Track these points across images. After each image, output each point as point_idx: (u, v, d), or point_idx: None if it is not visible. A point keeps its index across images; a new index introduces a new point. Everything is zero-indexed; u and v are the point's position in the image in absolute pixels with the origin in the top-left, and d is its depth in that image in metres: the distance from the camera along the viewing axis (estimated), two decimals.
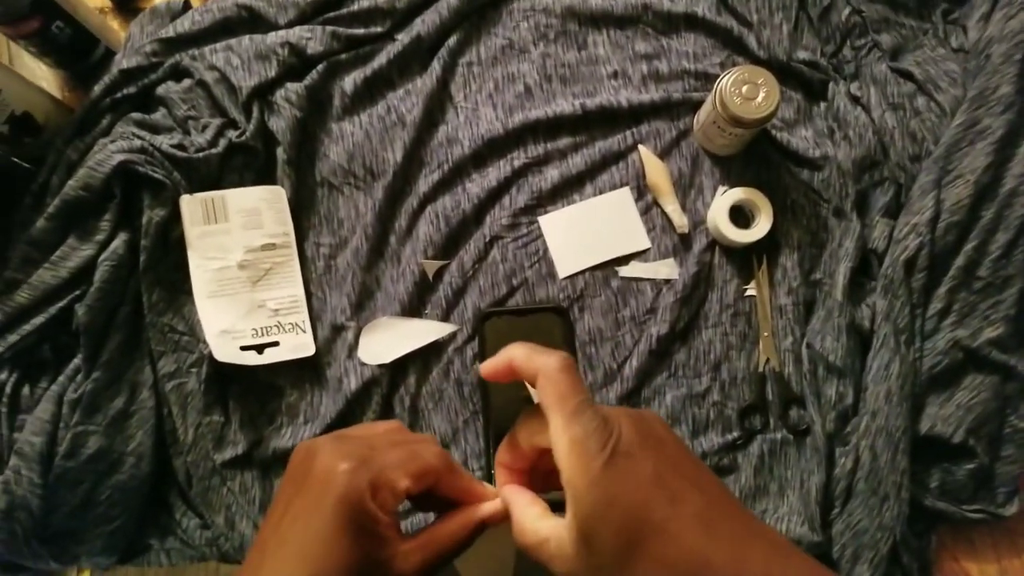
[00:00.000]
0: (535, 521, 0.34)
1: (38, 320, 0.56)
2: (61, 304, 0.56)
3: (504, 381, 0.37)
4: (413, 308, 0.61)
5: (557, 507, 0.34)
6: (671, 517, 0.31)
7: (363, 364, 0.60)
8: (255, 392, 0.60)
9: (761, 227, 0.60)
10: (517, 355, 0.36)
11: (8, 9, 0.54)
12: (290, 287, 0.61)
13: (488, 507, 0.38)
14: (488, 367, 0.37)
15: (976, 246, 0.57)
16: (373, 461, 0.34)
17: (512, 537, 0.35)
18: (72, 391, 0.55)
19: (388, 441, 0.37)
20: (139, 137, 0.58)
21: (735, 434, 0.59)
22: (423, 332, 0.61)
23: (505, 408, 0.59)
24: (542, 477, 0.39)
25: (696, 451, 0.58)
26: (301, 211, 0.62)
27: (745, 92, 0.56)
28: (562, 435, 0.32)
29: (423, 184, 0.62)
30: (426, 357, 0.61)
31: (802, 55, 0.63)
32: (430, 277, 0.61)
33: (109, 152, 0.56)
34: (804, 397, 0.59)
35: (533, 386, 0.35)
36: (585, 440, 0.32)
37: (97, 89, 0.59)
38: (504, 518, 0.38)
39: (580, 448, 0.31)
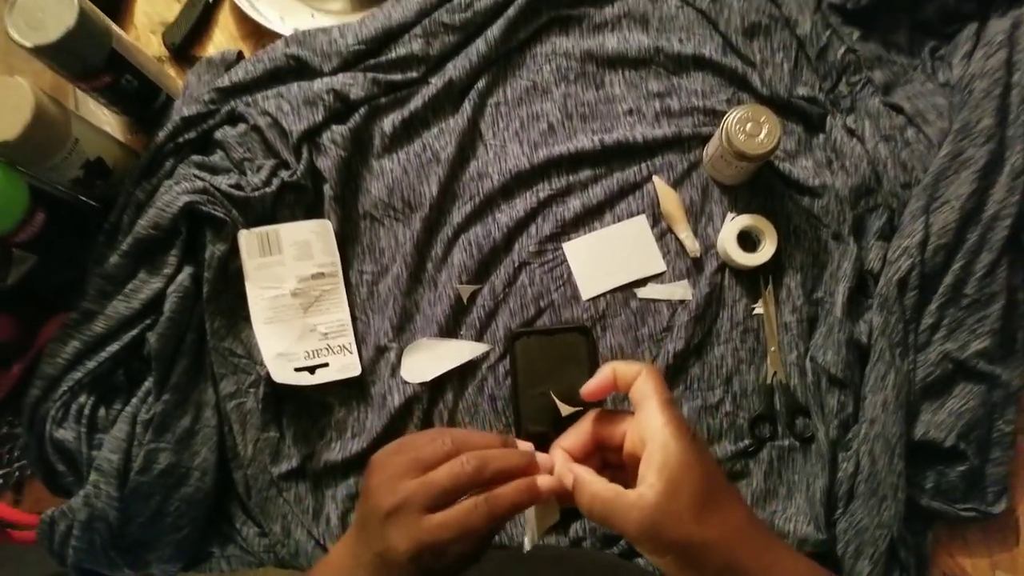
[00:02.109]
0: (605, 483, 0.41)
1: (113, 348, 0.61)
2: (133, 333, 0.62)
3: (604, 395, 0.44)
4: (449, 329, 0.66)
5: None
6: (732, 491, 0.42)
7: (405, 382, 0.65)
8: (307, 409, 0.66)
9: (767, 251, 0.65)
10: (618, 364, 0.44)
11: (86, 67, 0.60)
12: (338, 312, 0.66)
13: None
14: (592, 386, 0.44)
15: (963, 266, 0.61)
16: (433, 539, 0.40)
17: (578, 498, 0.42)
18: (144, 412, 0.60)
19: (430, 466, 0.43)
20: (200, 178, 0.63)
21: (746, 442, 0.64)
22: (459, 352, 0.66)
23: (536, 421, 0.64)
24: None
25: None
26: (346, 242, 0.68)
27: (749, 129, 0.61)
28: (660, 413, 0.41)
29: (457, 215, 0.68)
30: (462, 375, 0.66)
31: (802, 91, 0.68)
32: (464, 301, 0.67)
33: (175, 193, 0.62)
34: (809, 407, 0.64)
35: (625, 390, 0.43)
36: (680, 420, 0.41)
37: (161, 135, 0.65)
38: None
39: (677, 422, 0.40)
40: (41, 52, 0.58)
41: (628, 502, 0.39)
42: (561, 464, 0.43)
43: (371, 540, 0.42)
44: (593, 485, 0.41)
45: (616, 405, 0.65)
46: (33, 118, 0.55)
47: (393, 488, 0.42)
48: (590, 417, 0.45)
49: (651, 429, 0.40)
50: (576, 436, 0.45)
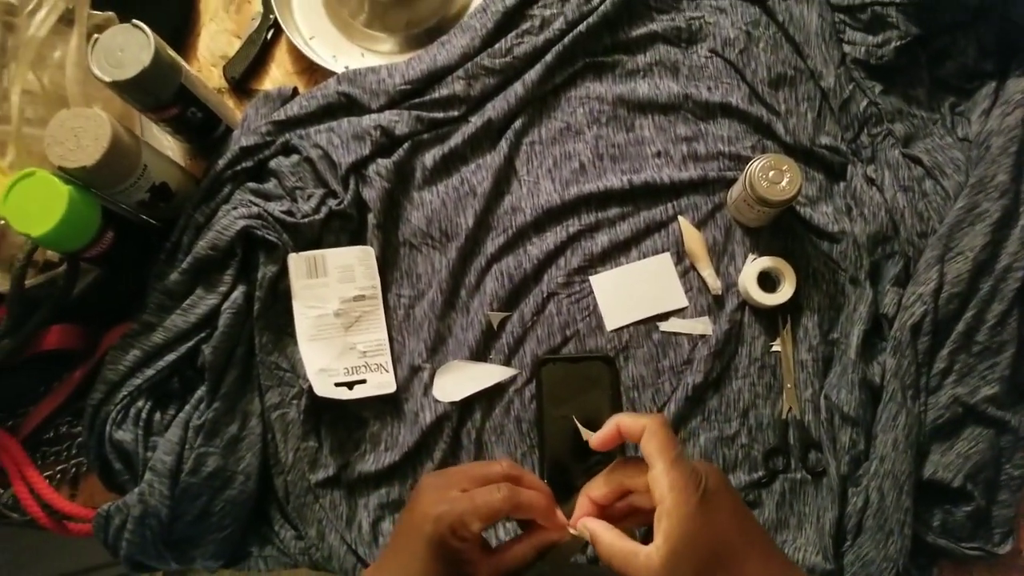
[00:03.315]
0: (621, 540, 0.43)
1: (170, 357, 0.66)
2: (189, 344, 0.66)
3: (612, 446, 0.47)
4: (480, 353, 0.70)
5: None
6: (742, 548, 0.42)
7: (436, 401, 0.68)
8: (344, 422, 0.70)
9: (786, 291, 0.68)
10: (623, 419, 0.46)
11: (158, 101, 0.65)
12: (376, 332, 0.70)
13: (551, 535, 0.49)
14: (600, 438, 0.47)
15: (975, 314, 0.64)
16: (454, 509, 0.45)
17: (598, 551, 0.45)
18: (196, 418, 0.65)
19: (477, 482, 0.48)
20: (255, 204, 0.68)
21: (760, 473, 0.67)
22: (488, 375, 0.69)
23: (557, 443, 0.67)
24: (608, 516, 0.48)
25: None
26: (386, 267, 0.72)
27: (771, 177, 0.65)
28: (664, 477, 0.42)
29: (490, 246, 0.72)
30: (490, 396, 0.69)
31: (824, 140, 0.71)
32: (495, 327, 0.70)
33: (233, 218, 0.67)
34: (821, 442, 0.66)
35: (632, 441, 0.45)
36: (685, 482, 0.41)
37: (221, 163, 0.70)
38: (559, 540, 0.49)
39: (680, 487, 0.41)
40: (118, 87, 0.63)
41: (640, 562, 0.41)
42: (580, 516, 0.47)
43: (403, 519, 0.48)
44: (612, 543, 0.43)
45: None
46: (110, 147, 0.60)
47: (439, 472, 0.50)
48: (616, 467, 0.48)
49: (659, 492, 0.42)
50: (603, 485, 0.48)
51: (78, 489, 0.72)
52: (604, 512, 0.48)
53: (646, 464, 0.45)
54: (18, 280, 0.63)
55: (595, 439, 0.47)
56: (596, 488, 0.48)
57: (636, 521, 0.48)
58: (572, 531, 0.47)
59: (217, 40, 0.80)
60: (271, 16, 0.78)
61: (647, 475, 0.44)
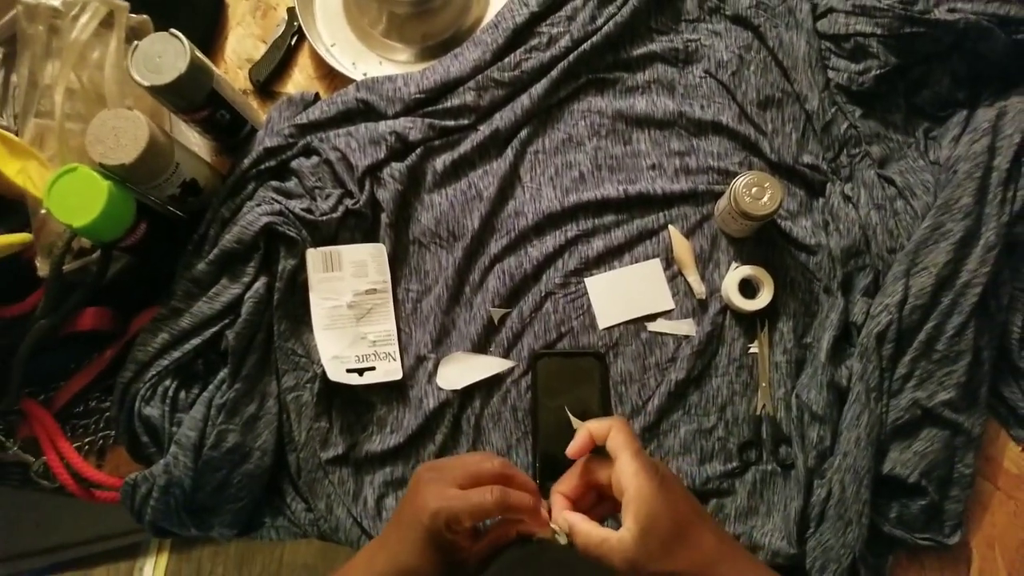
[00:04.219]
0: (596, 529, 0.49)
1: (196, 341, 0.71)
2: (214, 329, 0.71)
3: (586, 452, 0.53)
4: (481, 346, 0.75)
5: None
6: (699, 521, 0.49)
7: (439, 388, 0.74)
8: (354, 406, 0.75)
9: (764, 298, 0.73)
10: (591, 424, 0.52)
11: (190, 104, 0.70)
12: (386, 324, 0.76)
13: (530, 528, 0.56)
14: (574, 446, 0.53)
15: (935, 325, 0.69)
16: (450, 508, 0.51)
17: (576, 541, 0.51)
18: (218, 398, 0.70)
19: (471, 479, 0.54)
20: (277, 201, 0.73)
21: (734, 464, 0.72)
22: (488, 366, 0.75)
23: (550, 431, 0.73)
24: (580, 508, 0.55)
25: (702, 476, 0.72)
26: (396, 263, 0.77)
27: (754, 193, 0.70)
28: (630, 464, 0.48)
29: (494, 247, 0.77)
30: (489, 386, 0.75)
31: (806, 159, 0.77)
32: (495, 322, 0.76)
33: (256, 214, 0.72)
34: (791, 438, 0.72)
35: (602, 443, 0.51)
36: (648, 468, 0.48)
37: (246, 162, 0.74)
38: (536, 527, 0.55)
39: (645, 472, 0.48)
40: (155, 91, 0.68)
41: (612, 545, 0.47)
42: (559, 512, 0.53)
43: (403, 508, 0.54)
44: (588, 533, 0.49)
45: None
46: (147, 146, 0.65)
47: (437, 466, 0.55)
48: (579, 466, 0.55)
49: (626, 479, 0.48)
50: (571, 481, 0.54)
51: (104, 460, 0.77)
52: (576, 506, 0.54)
53: (607, 460, 0.51)
54: (57, 266, 0.68)
55: (570, 448, 0.53)
56: (566, 484, 0.54)
57: (605, 509, 0.55)
58: (553, 527, 0.53)
59: (243, 44, 0.84)
60: (295, 23, 0.83)
61: (610, 469, 0.50)
